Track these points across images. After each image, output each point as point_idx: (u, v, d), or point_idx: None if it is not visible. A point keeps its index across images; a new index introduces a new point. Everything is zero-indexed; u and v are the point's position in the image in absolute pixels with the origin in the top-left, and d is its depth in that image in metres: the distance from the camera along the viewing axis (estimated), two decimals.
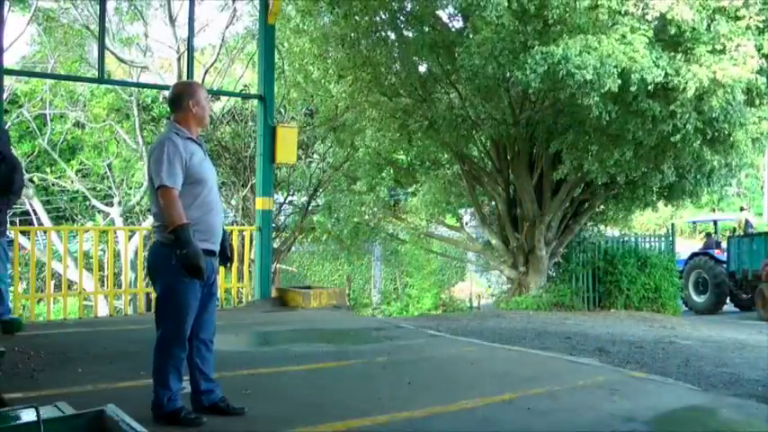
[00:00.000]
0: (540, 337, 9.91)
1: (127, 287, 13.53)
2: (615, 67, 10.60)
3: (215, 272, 5.07)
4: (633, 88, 10.89)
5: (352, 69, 14.78)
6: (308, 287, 12.56)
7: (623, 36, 10.89)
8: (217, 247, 5.02)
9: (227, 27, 20.17)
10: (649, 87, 11.08)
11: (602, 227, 17.42)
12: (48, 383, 5.92)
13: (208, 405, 5.08)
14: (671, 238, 17.36)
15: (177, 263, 4.64)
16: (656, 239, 17.54)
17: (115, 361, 6.93)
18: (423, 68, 15.00)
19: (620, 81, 10.73)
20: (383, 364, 7.22)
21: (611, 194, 15.40)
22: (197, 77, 16.88)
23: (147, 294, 12.31)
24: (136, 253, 13.24)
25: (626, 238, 17.16)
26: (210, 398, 5.11)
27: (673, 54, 11.30)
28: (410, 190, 18.22)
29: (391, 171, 17.70)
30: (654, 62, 10.90)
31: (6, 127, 13.90)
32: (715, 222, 23.62)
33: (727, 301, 20.18)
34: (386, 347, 8.17)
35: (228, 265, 5.37)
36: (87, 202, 23.54)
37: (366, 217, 17.69)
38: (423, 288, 23.49)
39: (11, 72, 15.57)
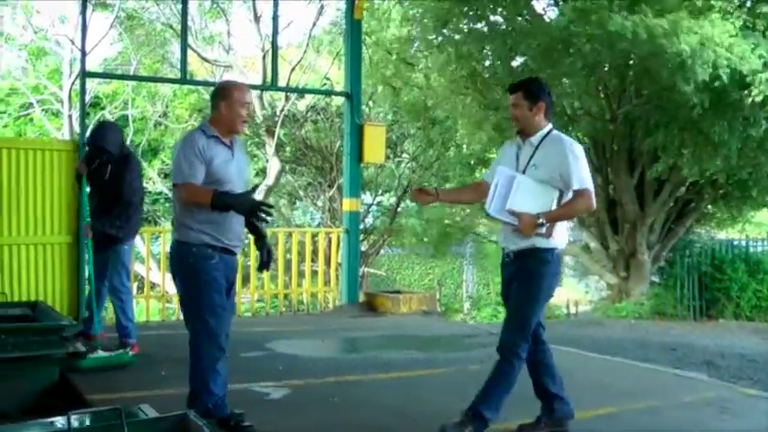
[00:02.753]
0: (642, 348, 9.73)
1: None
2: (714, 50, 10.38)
3: (234, 271, 5.09)
4: (724, 79, 10.61)
5: (443, 64, 14.76)
6: (398, 292, 12.59)
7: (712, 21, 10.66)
8: (236, 248, 5.03)
9: (314, 24, 20.35)
10: (748, 78, 10.79)
11: (710, 229, 16.97)
12: (130, 385, 6.08)
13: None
14: None
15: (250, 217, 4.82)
16: None
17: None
18: (516, 63, 14.87)
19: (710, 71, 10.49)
20: (476, 372, 7.12)
21: (719, 194, 14.98)
22: (282, 75, 17.09)
23: None
24: None
25: (736, 242, 16.66)
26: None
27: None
28: None
29: (483, 171, 17.61)
30: (751, 50, 10.61)
31: (87, 131, 14.19)
32: None
33: None
34: (478, 355, 8.10)
35: (263, 270, 5.35)
36: (169, 204, 24.12)
37: (457, 219, 17.63)
38: None
39: (93, 75, 16.06)
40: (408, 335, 9.62)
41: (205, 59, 21.50)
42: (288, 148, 19.13)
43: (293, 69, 20.00)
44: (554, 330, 11.45)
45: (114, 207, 7.25)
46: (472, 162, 16.98)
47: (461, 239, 19.04)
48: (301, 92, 19.89)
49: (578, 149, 4.84)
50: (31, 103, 23.22)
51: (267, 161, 19.32)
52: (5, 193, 9.00)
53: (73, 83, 20.75)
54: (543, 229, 4.73)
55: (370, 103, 17.73)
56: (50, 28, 22.46)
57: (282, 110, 18.71)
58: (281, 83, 16.07)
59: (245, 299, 12.59)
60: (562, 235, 4.93)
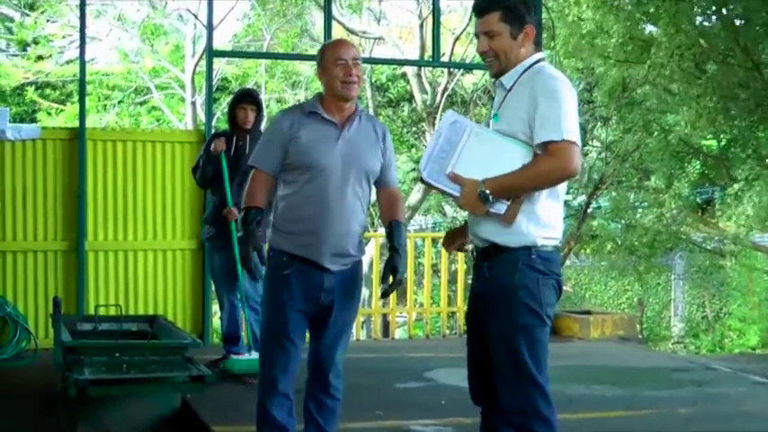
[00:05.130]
0: None
1: (359, 307, 14.11)
2: None
3: (330, 292, 4.59)
4: None
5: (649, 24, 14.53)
6: (587, 312, 12.44)
7: None
8: (327, 262, 4.50)
9: None
10: None
11: None
12: None
13: None
14: None
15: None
16: None
17: (344, 394, 7.15)
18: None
19: None
20: (687, 417, 7.02)
21: None
22: (445, 47, 17.17)
23: (384, 316, 12.66)
24: (371, 265, 13.65)
25: None
26: None
27: None
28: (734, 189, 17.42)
29: (698, 162, 17.15)
30: None
31: (214, 119, 14.62)
32: None
33: None
34: (690, 395, 7.93)
35: (384, 296, 4.99)
36: None
37: (666, 222, 17.20)
38: (746, 318, 22.52)
39: (221, 54, 16.63)
40: (600, 365, 9.48)
41: (352, 31, 21.82)
42: None
43: (457, 40, 20.03)
44: None
45: None
46: (678, 151, 16.54)
47: (670, 249, 18.56)
48: (468, 67, 19.88)
49: (561, 86, 3.68)
50: (148, 88, 24.19)
51: None
52: (120, 193, 9.36)
53: (197, 64, 21.52)
54: (503, 209, 3.62)
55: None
56: (170, 2, 23.41)
57: (445, 90, 18.80)
58: (443, 57, 16.14)
59: (401, 318, 12.71)
60: (550, 223, 3.76)
